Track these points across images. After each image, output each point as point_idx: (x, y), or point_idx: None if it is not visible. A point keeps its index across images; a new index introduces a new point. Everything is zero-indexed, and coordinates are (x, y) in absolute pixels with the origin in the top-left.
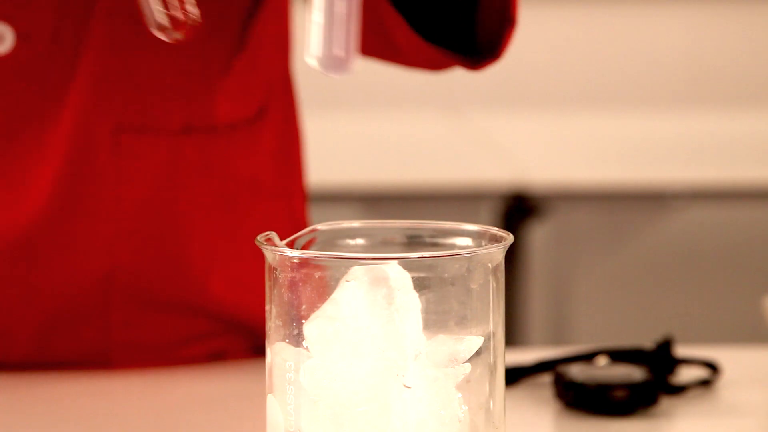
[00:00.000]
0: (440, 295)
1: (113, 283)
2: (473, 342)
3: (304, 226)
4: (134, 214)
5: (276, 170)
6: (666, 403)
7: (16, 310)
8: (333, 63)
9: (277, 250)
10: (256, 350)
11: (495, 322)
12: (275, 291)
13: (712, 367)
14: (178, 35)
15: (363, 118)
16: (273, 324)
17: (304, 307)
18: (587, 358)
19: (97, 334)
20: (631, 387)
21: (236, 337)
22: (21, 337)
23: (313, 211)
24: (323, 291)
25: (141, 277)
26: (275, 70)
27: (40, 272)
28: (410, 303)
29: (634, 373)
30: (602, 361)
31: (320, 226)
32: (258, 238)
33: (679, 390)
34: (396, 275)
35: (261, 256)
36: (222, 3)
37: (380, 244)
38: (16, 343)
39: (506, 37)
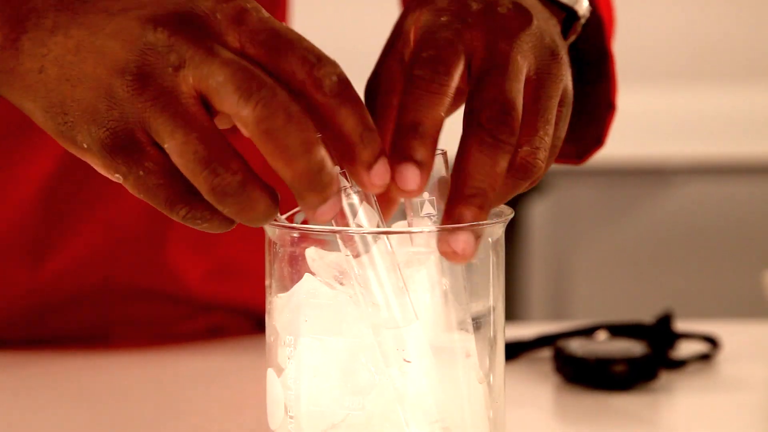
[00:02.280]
0: (440, 270)
1: (112, 271)
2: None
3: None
4: (133, 216)
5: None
6: (666, 377)
7: (17, 292)
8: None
9: (277, 225)
10: (256, 326)
11: (495, 296)
12: (275, 266)
13: (712, 341)
14: None
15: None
16: (273, 298)
17: None
18: (587, 332)
19: (97, 311)
20: (630, 362)
21: (234, 314)
22: (20, 315)
23: None
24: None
25: (136, 270)
26: None
27: (43, 259)
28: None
29: (633, 347)
30: (602, 335)
31: None
32: None
33: (679, 364)
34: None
35: (240, 241)
36: None
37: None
38: (18, 321)
39: (608, 123)
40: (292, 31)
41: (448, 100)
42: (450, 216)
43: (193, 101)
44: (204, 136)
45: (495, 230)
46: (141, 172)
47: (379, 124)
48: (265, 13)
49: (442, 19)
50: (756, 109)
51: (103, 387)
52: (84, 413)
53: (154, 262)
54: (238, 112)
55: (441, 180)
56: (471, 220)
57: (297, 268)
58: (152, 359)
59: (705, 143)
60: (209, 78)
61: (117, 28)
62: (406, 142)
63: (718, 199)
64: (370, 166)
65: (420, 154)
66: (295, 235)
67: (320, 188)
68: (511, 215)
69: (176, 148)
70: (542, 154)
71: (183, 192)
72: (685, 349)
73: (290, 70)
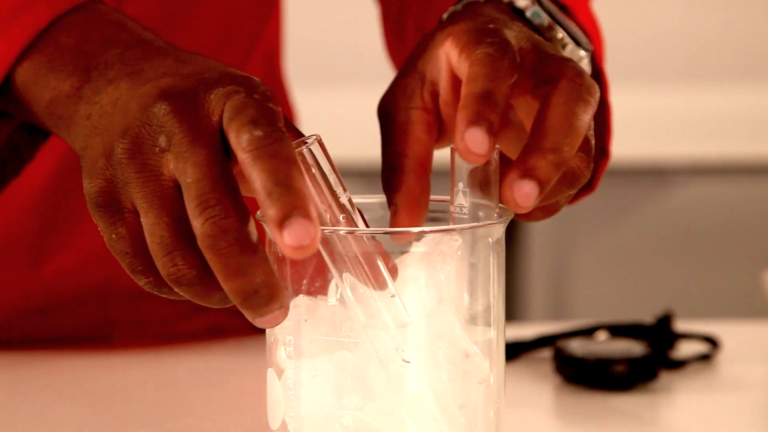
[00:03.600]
0: (441, 270)
1: (112, 271)
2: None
3: None
4: None
5: None
6: (666, 377)
7: (18, 292)
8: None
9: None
10: (256, 326)
11: (495, 296)
12: (275, 266)
13: (712, 341)
14: None
15: (363, 92)
16: None
17: (304, 281)
18: (587, 333)
19: (98, 311)
20: (630, 362)
21: (234, 314)
22: (21, 315)
23: None
24: (323, 265)
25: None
26: (273, 73)
27: (44, 259)
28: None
29: (633, 347)
30: (602, 336)
31: None
32: (258, 213)
33: (678, 365)
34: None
35: None
36: (236, 19)
37: (381, 218)
38: (19, 321)
39: (601, 171)
40: (261, 105)
41: (514, 81)
42: (522, 165)
43: (171, 185)
44: (173, 223)
45: (495, 230)
46: (113, 236)
47: (397, 139)
48: (266, 95)
49: (490, 26)
50: (756, 109)
51: (104, 387)
52: (84, 413)
53: None
54: (191, 220)
55: (473, 170)
56: (543, 175)
57: (297, 268)
58: (152, 359)
59: (705, 143)
60: (181, 174)
61: (144, 91)
62: (478, 108)
63: (718, 199)
64: (279, 224)
65: (492, 118)
66: None
67: (254, 307)
68: (512, 215)
69: (147, 227)
70: (591, 164)
71: (148, 264)
72: (685, 349)
73: (229, 136)
